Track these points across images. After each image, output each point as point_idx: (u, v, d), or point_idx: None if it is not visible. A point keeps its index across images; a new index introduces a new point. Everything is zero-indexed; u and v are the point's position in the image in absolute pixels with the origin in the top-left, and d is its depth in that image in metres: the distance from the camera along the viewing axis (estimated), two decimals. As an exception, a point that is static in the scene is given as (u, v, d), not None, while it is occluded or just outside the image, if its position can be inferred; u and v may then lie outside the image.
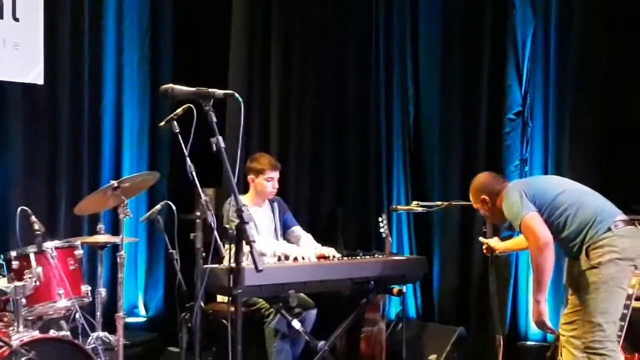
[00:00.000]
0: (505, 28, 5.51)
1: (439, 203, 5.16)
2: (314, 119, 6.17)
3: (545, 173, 5.41)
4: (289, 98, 6.07)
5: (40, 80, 5.35)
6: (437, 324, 5.71)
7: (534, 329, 5.42)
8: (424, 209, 5.12)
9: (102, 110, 5.78)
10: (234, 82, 5.76)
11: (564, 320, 4.06)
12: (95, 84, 5.69)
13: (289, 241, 4.94)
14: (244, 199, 4.71)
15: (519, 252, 5.47)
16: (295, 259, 4.44)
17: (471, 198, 4.28)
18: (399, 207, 5.33)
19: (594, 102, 5.13)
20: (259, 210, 4.84)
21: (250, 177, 4.84)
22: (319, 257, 4.61)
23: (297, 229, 5.02)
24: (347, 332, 5.04)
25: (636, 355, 3.98)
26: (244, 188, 4.90)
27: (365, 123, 6.25)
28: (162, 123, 3.49)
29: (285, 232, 4.99)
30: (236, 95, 3.00)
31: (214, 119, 2.88)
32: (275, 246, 4.60)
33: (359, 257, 4.74)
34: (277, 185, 4.87)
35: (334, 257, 4.64)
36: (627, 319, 4.00)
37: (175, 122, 3.44)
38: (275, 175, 4.84)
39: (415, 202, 5.20)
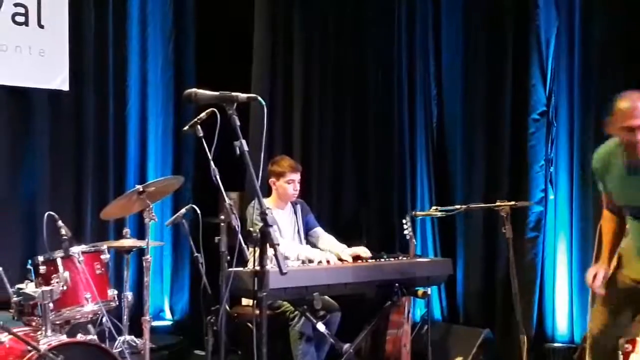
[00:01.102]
0: (529, 27, 5.48)
1: (457, 207, 5.09)
2: (337, 121, 6.17)
3: (571, 174, 5.36)
4: (311, 101, 6.07)
5: (65, 87, 5.42)
6: (463, 326, 5.68)
7: (561, 331, 5.38)
8: (443, 213, 5.08)
9: (127, 115, 5.83)
10: (257, 86, 5.77)
11: None
12: (119, 89, 5.75)
13: (310, 242, 4.95)
14: (266, 202, 4.72)
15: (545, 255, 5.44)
16: (320, 262, 4.44)
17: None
18: (418, 212, 5.28)
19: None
20: (281, 212, 4.85)
21: (271, 180, 4.85)
22: (354, 258, 4.61)
23: (319, 230, 5.02)
24: (372, 334, 5.03)
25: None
26: (267, 191, 4.91)
27: (388, 124, 6.24)
28: (186, 127, 3.51)
29: (307, 233, 4.99)
30: (259, 98, 3.01)
31: (238, 123, 2.89)
32: (299, 250, 4.61)
33: (383, 260, 4.73)
34: (298, 188, 4.87)
35: (366, 259, 4.63)
36: None
37: (199, 127, 3.45)
38: (296, 177, 4.85)
39: (434, 207, 5.16)
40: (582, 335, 4.98)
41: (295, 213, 4.97)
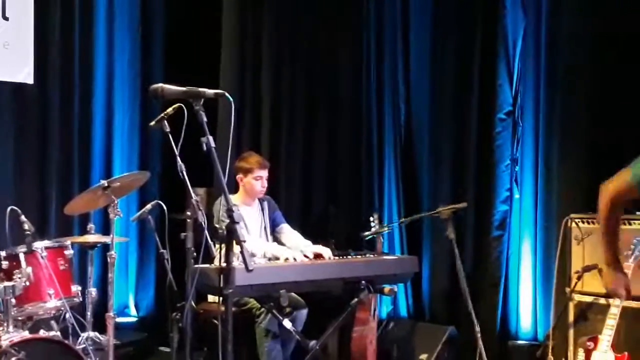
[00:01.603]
0: (496, 28, 5.52)
1: (402, 220, 5.53)
2: (306, 119, 6.17)
3: (536, 173, 5.42)
4: (280, 97, 6.06)
5: (30, 80, 5.34)
6: (428, 323, 5.73)
7: (524, 328, 5.45)
8: (389, 228, 5.17)
9: (93, 109, 5.76)
10: (225, 81, 5.75)
11: None
12: (85, 83, 5.68)
13: (277, 239, 4.95)
14: (234, 198, 4.70)
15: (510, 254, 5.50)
16: (286, 259, 4.44)
17: None
18: (366, 233, 5.15)
19: (584, 102, 5.14)
20: (248, 209, 4.83)
21: (239, 176, 4.83)
22: (316, 255, 4.61)
23: (285, 227, 5.01)
24: (338, 331, 5.04)
25: (626, 354, 4.00)
26: (235, 188, 4.89)
27: (357, 123, 6.26)
28: (153, 123, 3.49)
29: (273, 230, 4.98)
30: (226, 94, 3.00)
31: (205, 119, 2.87)
32: (266, 247, 4.60)
33: (350, 257, 4.74)
34: (266, 184, 4.86)
35: (329, 258, 4.63)
36: (617, 318, 4.03)
37: (165, 122, 3.44)
38: (264, 174, 4.83)
39: (376, 222, 5.19)
40: (545, 333, 5.04)
41: (263, 210, 4.95)
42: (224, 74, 5.84)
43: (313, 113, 6.19)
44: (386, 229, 5.07)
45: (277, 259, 4.46)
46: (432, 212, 5.11)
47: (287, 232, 4.97)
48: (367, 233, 4.98)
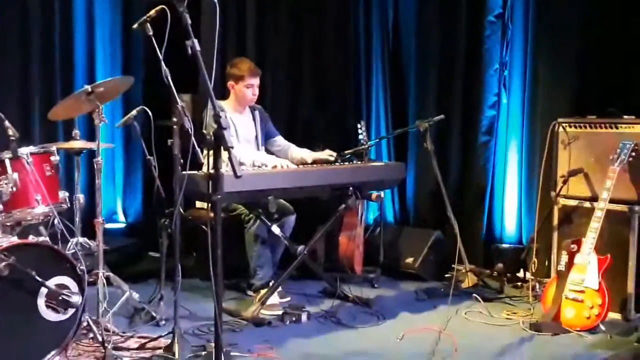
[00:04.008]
0: None
1: (383, 136, 5.90)
2: (292, 22, 6.04)
3: (525, 77, 5.38)
4: (266, 1, 5.91)
5: (9, -17, 5.16)
6: (414, 228, 5.80)
7: (509, 232, 5.54)
8: (370, 145, 5.20)
9: (73, 12, 5.59)
10: (208, -17, 5.58)
11: None
12: (65, -15, 5.50)
13: (269, 151, 4.93)
14: (224, 104, 4.66)
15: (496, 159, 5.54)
16: (275, 167, 4.43)
17: None
18: (346, 152, 5.00)
19: (575, 3, 5.05)
20: (239, 117, 4.79)
21: (230, 83, 4.76)
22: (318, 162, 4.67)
23: (280, 139, 5.00)
24: (326, 236, 5.11)
25: (608, 256, 4.08)
26: (222, 93, 4.82)
27: (344, 27, 6.15)
28: (135, 25, 3.41)
29: (266, 141, 4.96)
30: (211, -5, 2.91)
31: (189, 21, 2.80)
32: (254, 156, 4.58)
33: (337, 164, 4.75)
34: (257, 92, 4.80)
35: (332, 157, 4.75)
36: (601, 221, 4.09)
37: (148, 25, 3.35)
38: (256, 82, 4.76)
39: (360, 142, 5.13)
40: (529, 236, 5.13)
41: (254, 119, 4.91)
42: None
43: (300, 16, 6.05)
44: (368, 146, 5.07)
45: (266, 166, 4.46)
46: (409, 128, 5.42)
47: (285, 145, 4.96)
48: (349, 151, 4.98)
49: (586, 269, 4.09)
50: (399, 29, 6.11)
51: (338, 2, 6.13)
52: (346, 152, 4.98)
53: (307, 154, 4.83)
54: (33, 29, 5.30)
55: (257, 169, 4.44)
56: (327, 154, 4.79)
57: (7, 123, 3.68)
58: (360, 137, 5.08)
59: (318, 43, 6.11)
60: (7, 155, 3.67)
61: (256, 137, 4.89)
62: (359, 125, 5.14)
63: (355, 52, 6.18)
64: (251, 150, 4.76)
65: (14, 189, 3.64)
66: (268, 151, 4.94)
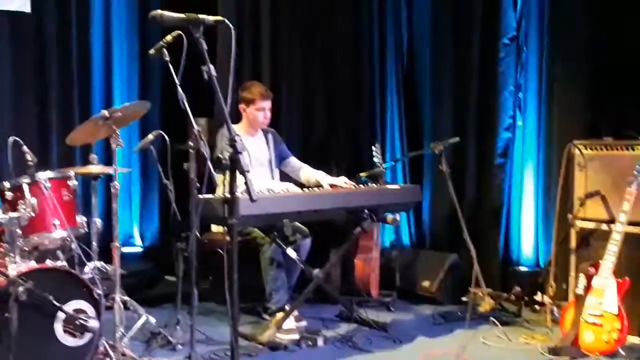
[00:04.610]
0: (501, -51, 5.40)
1: (397, 158, 5.89)
2: (306, 46, 6.08)
3: (540, 99, 5.38)
4: (280, 24, 5.95)
5: (27, 8, 5.23)
6: (431, 251, 5.78)
7: (526, 255, 5.50)
8: (386, 167, 5.22)
9: (91, 38, 5.67)
10: (224, 9, 5.63)
11: None
12: (83, 10, 5.57)
13: (283, 172, 4.94)
14: (236, 128, 4.67)
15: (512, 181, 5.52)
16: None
17: None
18: (362, 174, 5.08)
19: (589, 26, 5.05)
20: (251, 140, 4.81)
21: (241, 106, 4.79)
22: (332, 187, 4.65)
23: (293, 160, 5.02)
24: (341, 260, 5.10)
25: (627, 279, 4.04)
26: (237, 117, 4.85)
27: (358, 49, 6.18)
28: (152, 51, 3.44)
29: (280, 163, 4.98)
30: (226, 21, 2.93)
31: (205, 47, 2.82)
32: (267, 186, 4.58)
33: (362, 186, 4.75)
34: (269, 115, 4.82)
35: (346, 185, 4.69)
36: (619, 244, 4.05)
37: (165, 50, 3.39)
38: (267, 105, 4.79)
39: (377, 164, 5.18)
40: (546, 259, 5.09)
41: (267, 142, 4.93)
42: (222, 1, 5.70)
43: (313, 39, 6.09)
44: (383, 169, 5.08)
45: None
46: (423, 151, 5.47)
47: (299, 166, 4.97)
48: (364, 174, 4.99)
49: (604, 293, 4.04)
50: (413, 51, 6.13)
51: (352, 25, 6.16)
52: (361, 174, 4.99)
53: (323, 177, 4.83)
54: (51, 54, 5.37)
55: (273, 192, 4.44)
56: (343, 181, 4.75)
57: (25, 148, 3.72)
58: (375, 159, 5.09)
59: (332, 65, 6.14)
60: (25, 180, 3.71)
61: (269, 160, 4.91)
62: (373, 148, 5.15)
63: (370, 74, 6.20)
64: (264, 173, 4.77)
65: (32, 213, 3.67)
66: (282, 172, 4.95)
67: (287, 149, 5.04)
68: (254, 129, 4.86)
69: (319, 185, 4.76)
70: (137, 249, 6.11)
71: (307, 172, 4.94)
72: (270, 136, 4.95)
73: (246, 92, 4.78)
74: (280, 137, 5.04)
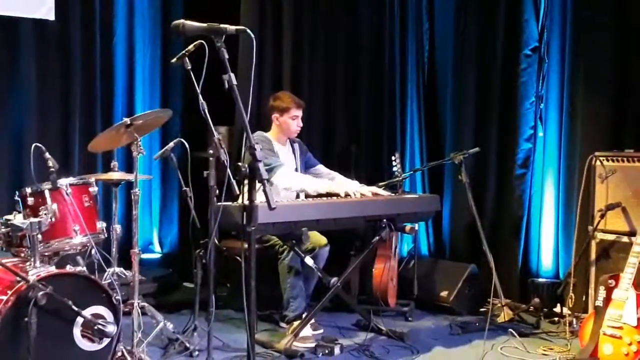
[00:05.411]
0: (523, -40, 5.39)
1: (417, 168, 5.77)
2: (327, 55, 6.09)
3: (561, 110, 5.36)
4: (302, 34, 5.98)
5: (51, 16, 5.30)
6: (449, 261, 5.76)
7: (545, 266, 5.47)
8: (405, 177, 5.22)
9: (114, 46, 5.73)
10: (245, 18, 5.67)
11: None
12: (106, 19, 5.63)
13: None
14: (269, 135, 4.73)
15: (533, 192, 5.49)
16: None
17: None
18: (380, 184, 5.04)
19: (611, 37, 5.03)
20: (281, 148, 4.84)
21: (274, 115, 4.82)
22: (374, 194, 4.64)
23: (321, 167, 5.05)
24: (359, 268, 5.09)
25: (647, 292, 4.00)
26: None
27: (380, 59, 6.19)
28: (174, 60, 3.48)
29: (307, 171, 5.00)
30: (248, 31, 2.95)
31: (226, 56, 2.84)
32: (304, 183, 4.60)
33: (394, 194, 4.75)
34: (301, 124, 4.86)
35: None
36: (639, 256, 4.02)
37: (187, 59, 3.42)
38: (300, 113, 4.84)
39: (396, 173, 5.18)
40: (566, 271, 5.06)
41: (294, 152, 4.96)
42: (244, 11, 5.74)
43: (335, 49, 6.11)
44: (402, 178, 5.08)
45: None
46: (443, 160, 5.37)
47: (325, 172, 5.00)
48: (383, 183, 4.99)
49: (624, 305, 4.01)
50: (434, 61, 6.14)
51: (374, 35, 6.17)
52: (381, 184, 4.99)
53: (358, 186, 4.78)
54: (74, 62, 5.43)
55: (292, 200, 4.46)
56: (379, 190, 4.71)
57: (47, 154, 3.76)
58: (395, 169, 5.09)
59: (353, 75, 6.15)
60: (46, 186, 3.75)
61: (296, 169, 4.93)
62: (393, 157, 5.15)
63: (391, 84, 6.21)
64: (299, 175, 4.79)
65: (53, 219, 3.71)
66: None
67: (313, 157, 5.08)
68: (285, 137, 4.89)
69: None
70: (156, 255, 6.14)
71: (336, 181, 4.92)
72: (296, 146, 4.99)
73: (279, 101, 4.82)
74: (305, 147, 5.07)
